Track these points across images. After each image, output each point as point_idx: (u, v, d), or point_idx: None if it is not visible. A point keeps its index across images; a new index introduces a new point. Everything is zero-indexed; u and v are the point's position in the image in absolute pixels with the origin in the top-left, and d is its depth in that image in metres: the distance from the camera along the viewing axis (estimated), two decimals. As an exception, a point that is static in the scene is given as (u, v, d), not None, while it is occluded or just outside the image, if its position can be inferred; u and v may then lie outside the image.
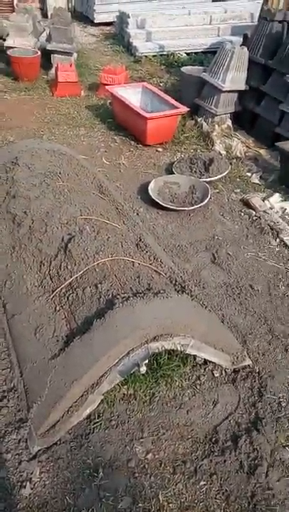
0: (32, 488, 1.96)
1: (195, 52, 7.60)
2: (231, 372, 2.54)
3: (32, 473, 2.00)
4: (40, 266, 2.72)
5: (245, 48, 4.96)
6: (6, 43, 6.61)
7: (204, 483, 2.06)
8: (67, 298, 2.48)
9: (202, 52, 7.61)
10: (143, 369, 2.16)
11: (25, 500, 1.93)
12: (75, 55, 6.73)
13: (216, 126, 5.13)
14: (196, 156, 4.56)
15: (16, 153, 3.59)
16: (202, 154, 4.63)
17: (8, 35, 6.76)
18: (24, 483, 1.96)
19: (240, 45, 5.17)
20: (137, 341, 2.13)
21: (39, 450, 2.08)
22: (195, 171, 4.41)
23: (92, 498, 1.96)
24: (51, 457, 2.07)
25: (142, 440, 2.20)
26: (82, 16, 9.60)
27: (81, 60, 7.16)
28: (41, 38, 7.11)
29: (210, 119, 5.20)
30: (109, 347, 2.09)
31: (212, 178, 4.30)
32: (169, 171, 4.53)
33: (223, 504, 2.00)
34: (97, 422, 2.23)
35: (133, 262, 2.70)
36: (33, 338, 2.36)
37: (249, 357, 2.59)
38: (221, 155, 4.79)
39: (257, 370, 2.56)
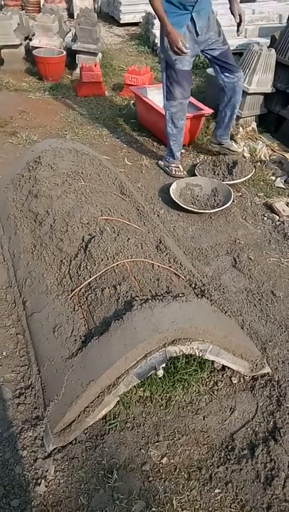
0: (47, 486, 1.97)
1: (221, 54, 7.53)
2: (250, 380, 2.50)
3: (47, 471, 2.00)
4: (60, 265, 2.73)
5: (273, 50, 4.90)
6: (32, 43, 6.69)
7: (219, 491, 2.03)
8: (86, 298, 2.48)
9: (228, 53, 7.54)
10: (160, 372, 2.14)
11: (39, 498, 1.94)
12: (99, 55, 6.77)
13: (241, 128, 5.08)
14: (219, 159, 4.52)
15: (39, 153, 3.62)
16: (226, 157, 4.58)
17: (34, 35, 6.84)
18: (39, 481, 1.97)
19: (268, 47, 5.10)
20: (155, 344, 2.12)
21: (54, 449, 2.08)
22: (218, 174, 4.37)
23: (105, 499, 1.95)
24: (66, 456, 2.08)
25: (157, 444, 2.18)
26: (108, 17, 9.65)
27: (106, 60, 7.19)
28: (67, 38, 7.17)
29: (234, 122, 5.14)
30: (127, 349, 2.08)
31: (235, 181, 4.25)
32: (192, 173, 4.50)
33: (238, 513, 1.97)
34: (113, 424, 2.22)
35: (153, 264, 2.69)
36: (52, 336, 2.37)
37: (268, 365, 2.55)
38: (245, 158, 4.73)
39: (276, 379, 2.51)
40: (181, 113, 4.24)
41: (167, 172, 4.54)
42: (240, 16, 3.99)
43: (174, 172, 4.49)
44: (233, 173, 4.30)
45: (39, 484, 1.97)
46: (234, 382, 2.48)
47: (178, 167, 4.52)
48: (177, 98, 4.13)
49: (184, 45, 3.71)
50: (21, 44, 6.68)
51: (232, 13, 4.03)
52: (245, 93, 4.96)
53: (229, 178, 4.28)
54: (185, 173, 4.53)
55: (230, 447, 2.20)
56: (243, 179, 4.29)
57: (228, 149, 4.73)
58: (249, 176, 4.33)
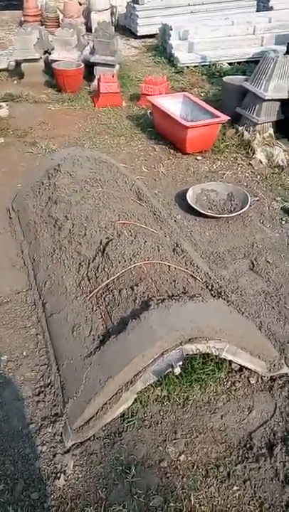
0: (66, 480, 2.01)
1: (238, 62, 7.61)
2: (268, 380, 2.50)
3: (66, 466, 2.05)
4: (79, 268, 2.79)
5: (289, 56, 4.93)
6: (51, 57, 6.89)
7: (237, 488, 2.04)
8: (104, 299, 2.53)
9: (245, 62, 7.61)
10: (177, 370, 2.17)
11: (58, 491, 1.98)
12: (117, 66, 6.90)
13: (258, 134, 5.10)
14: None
15: (58, 161, 3.73)
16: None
17: (53, 49, 7.04)
18: (58, 475, 2.02)
19: (284, 54, 5.14)
20: (172, 342, 2.15)
21: (73, 444, 2.13)
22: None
23: (124, 493, 1.98)
24: (85, 452, 2.12)
25: (174, 441, 2.20)
26: (125, 29, 9.84)
27: (123, 71, 7.32)
28: (85, 51, 7.34)
29: (251, 128, 5.17)
30: (144, 347, 2.11)
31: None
32: (209, 180, 4.54)
33: (257, 511, 1.96)
34: (131, 421, 2.25)
35: (169, 265, 2.73)
36: (71, 336, 2.43)
37: (287, 365, 2.54)
38: (262, 163, 4.75)
39: (294, 379, 2.50)
40: None
41: None
42: None
43: None
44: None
45: (58, 478, 2.01)
46: (252, 382, 2.48)
47: None
48: None
49: None
50: (41, 58, 6.88)
51: None
52: (261, 99, 4.99)
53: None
54: None
55: (248, 446, 2.20)
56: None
57: None
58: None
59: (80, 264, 2.82)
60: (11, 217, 3.72)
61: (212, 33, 7.85)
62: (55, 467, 2.04)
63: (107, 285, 2.60)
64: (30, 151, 5.02)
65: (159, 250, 2.87)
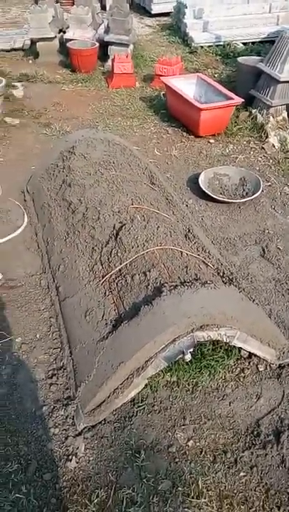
0: (77, 462, 2.06)
1: (252, 42, 7.42)
2: (276, 368, 2.51)
3: (77, 449, 2.10)
4: (92, 252, 2.80)
5: (306, 37, 4.79)
6: (66, 36, 6.78)
7: (244, 474, 2.07)
8: (117, 284, 2.54)
9: (260, 41, 7.42)
10: (188, 356, 2.19)
11: (70, 473, 2.03)
12: (131, 46, 6.78)
13: (271, 117, 5.01)
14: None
15: (72, 143, 3.71)
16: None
17: (68, 27, 6.92)
18: (70, 457, 2.07)
19: (301, 34, 5.00)
20: (184, 329, 2.16)
21: (85, 427, 2.17)
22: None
23: (133, 477, 2.03)
24: (96, 435, 2.16)
25: (183, 427, 2.24)
26: (140, 7, 9.63)
27: (137, 51, 7.20)
28: (100, 29, 7.21)
29: (265, 111, 5.08)
30: (156, 333, 2.13)
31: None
32: (221, 163, 4.49)
33: (263, 497, 2.00)
34: (141, 406, 2.29)
35: (181, 251, 2.73)
36: (83, 320, 2.45)
37: (296, 353, 2.56)
38: (275, 147, 4.68)
39: (303, 367, 2.52)
40: None
41: None
42: None
43: None
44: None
45: (70, 460, 2.06)
46: (260, 369, 2.50)
47: None
48: None
49: None
50: (55, 37, 6.77)
51: None
52: (276, 81, 4.89)
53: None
54: None
55: (255, 433, 2.23)
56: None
57: None
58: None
59: (93, 248, 2.83)
60: (25, 200, 3.73)
61: (227, 11, 7.66)
62: (67, 449, 2.10)
63: (119, 270, 2.61)
64: (44, 132, 5.00)
65: (171, 236, 2.86)
